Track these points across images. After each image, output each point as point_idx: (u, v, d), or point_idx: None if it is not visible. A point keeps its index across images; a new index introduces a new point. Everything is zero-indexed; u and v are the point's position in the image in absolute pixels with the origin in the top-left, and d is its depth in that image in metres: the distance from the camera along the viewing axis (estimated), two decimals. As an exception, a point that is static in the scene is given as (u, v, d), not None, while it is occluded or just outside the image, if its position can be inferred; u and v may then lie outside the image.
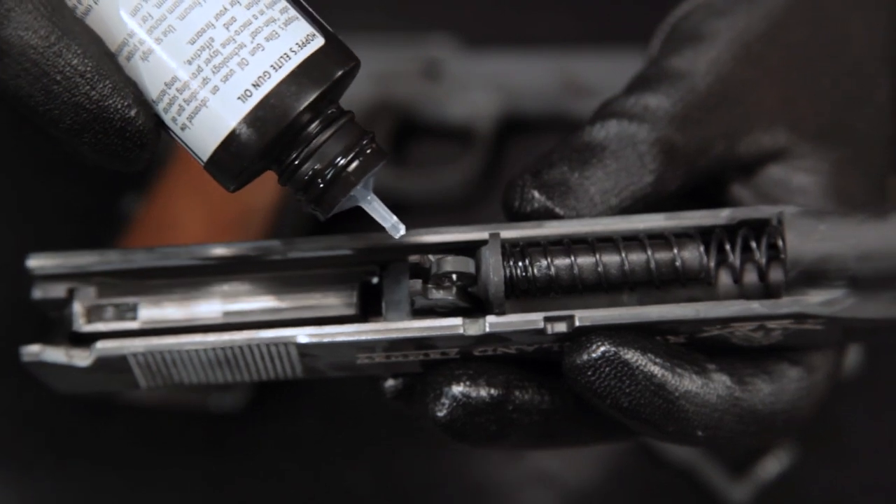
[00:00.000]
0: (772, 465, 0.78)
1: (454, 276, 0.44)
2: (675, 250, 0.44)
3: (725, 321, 0.44)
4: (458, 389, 0.45)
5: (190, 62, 0.41)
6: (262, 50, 0.41)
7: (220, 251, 0.45)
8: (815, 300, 0.44)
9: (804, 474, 0.78)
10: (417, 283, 0.44)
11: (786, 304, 0.44)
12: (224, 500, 0.80)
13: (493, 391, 0.45)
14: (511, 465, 0.80)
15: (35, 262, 0.45)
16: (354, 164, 0.42)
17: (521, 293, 0.44)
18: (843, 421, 0.80)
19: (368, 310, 0.46)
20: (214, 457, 0.81)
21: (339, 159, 0.42)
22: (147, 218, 0.84)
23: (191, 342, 0.44)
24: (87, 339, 0.45)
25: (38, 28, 0.39)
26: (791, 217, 0.44)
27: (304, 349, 0.44)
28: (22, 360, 0.45)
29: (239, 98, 0.41)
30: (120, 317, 0.45)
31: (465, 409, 0.45)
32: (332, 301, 0.45)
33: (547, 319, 0.44)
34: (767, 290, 0.45)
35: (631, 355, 0.43)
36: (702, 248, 0.44)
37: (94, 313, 0.45)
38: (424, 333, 0.44)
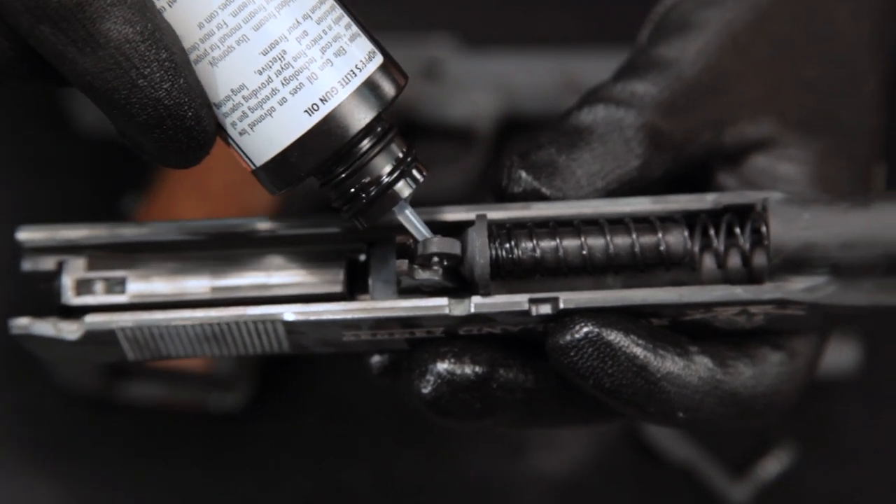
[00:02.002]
0: (771, 465, 0.78)
1: (440, 258, 0.44)
2: (660, 234, 0.45)
3: (708, 306, 0.44)
4: (442, 366, 0.45)
5: (261, 72, 0.41)
6: (331, 65, 0.42)
7: (208, 227, 0.46)
8: (797, 287, 0.44)
9: (804, 474, 0.78)
10: (404, 264, 0.45)
11: (768, 290, 0.44)
12: (224, 500, 0.80)
13: (477, 369, 0.45)
14: (511, 466, 0.80)
15: (25, 235, 0.46)
16: (401, 182, 0.43)
17: (507, 274, 0.45)
18: (842, 421, 0.80)
19: (355, 287, 0.46)
20: (214, 457, 0.81)
21: (385, 176, 0.43)
22: (147, 217, 0.84)
23: (179, 317, 0.45)
24: (75, 312, 0.45)
25: (136, 22, 0.40)
26: (775, 204, 0.45)
27: (290, 326, 0.45)
28: (11, 333, 0.45)
29: (306, 111, 0.41)
30: (109, 290, 0.45)
31: (449, 386, 0.45)
32: (320, 278, 0.46)
33: (532, 301, 0.44)
34: (751, 276, 0.45)
35: (614, 336, 0.44)
36: (686, 233, 0.45)
37: (82, 286, 0.45)
38: (410, 313, 0.44)
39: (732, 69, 0.49)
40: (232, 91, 0.42)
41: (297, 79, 0.41)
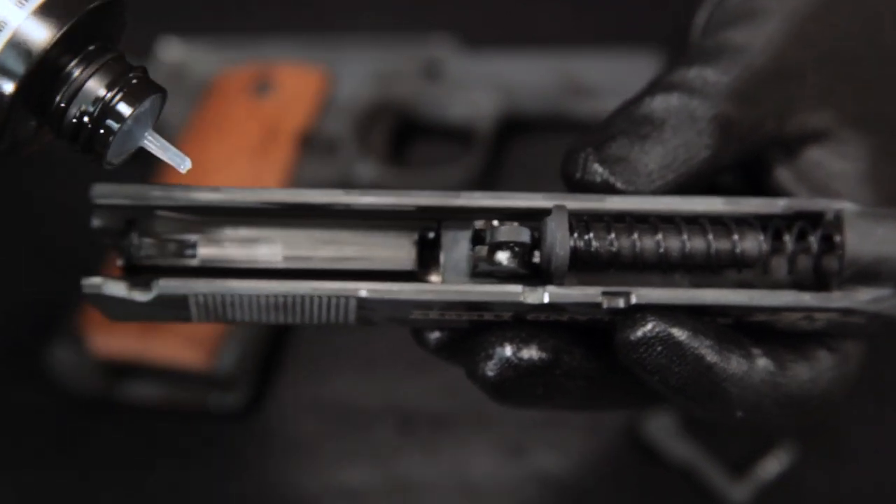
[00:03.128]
0: (772, 466, 0.78)
1: (510, 246, 0.44)
2: (736, 237, 0.45)
3: (776, 310, 0.45)
4: (509, 351, 0.45)
5: None
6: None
7: (284, 196, 0.45)
8: (864, 297, 0.45)
9: (804, 474, 0.78)
10: (482, 250, 0.45)
11: (836, 299, 0.45)
12: (223, 501, 0.80)
13: (543, 355, 0.46)
14: (511, 466, 0.80)
15: (98, 191, 0.45)
16: (120, 97, 0.41)
17: (582, 266, 0.45)
18: (842, 421, 0.80)
19: (425, 263, 0.46)
20: (214, 457, 0.81)
21: (104, 94, 0.41)
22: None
23: (255, 288, 0.44)
24: (142, 272, 0.45)
25: None
26: (851, 217, 0.45)
27: (363, 303, 0.45)
28: (82, 292, 0.45)
29: None
30: (179, 253, 0.45)
31: (514, 370, 0.45)
32: (392, 254, 0.46)
33: (605, 294, 0.44)
34: (819, 283, 0.46)
35: (683, 336, 0.44)
36: (761, 238, 0.45)
37: (153, 247, 0.45)
38: (483, 298, 0.45)
39: (796, 58, 0.49)
40: None
41: None
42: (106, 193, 0.45)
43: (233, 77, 0.90)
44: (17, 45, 0.40)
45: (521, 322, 0.46)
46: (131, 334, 0.80)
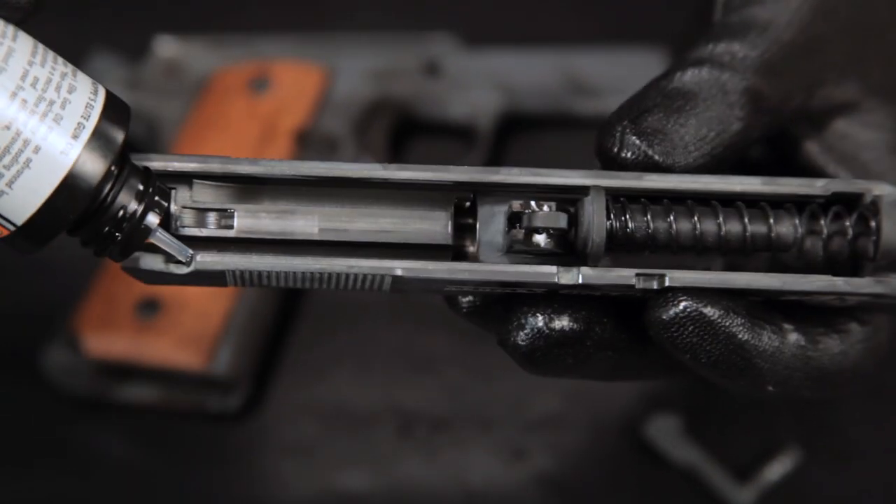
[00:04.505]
0: (776, 468, 0.78)
1: (546, 231, 0.45)
2: (772, 221, 0.46)
3: (808, 294, 0.46)
4: (541, 321, 0.46)
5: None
6: (58, 125, 0.42)
7: (320, 169, 0.46)
8: None
9: (808, 477, 0.78)
10: (520, 233, 0.45)
11: (868, 285, 0.46)
12: (223, 501, 0.80)
13: (574, 325, 0.46)
14: (512, 468, 0.79)
15: (135, 162, 0.46)
16: (150, 214, 0.43)
17: (617, 247, 0.46)
18: (846, 424, 0.80)
19: (461, 235, 0.47)
20: (210, 459, 0.81)
21: (132, 212, 0.43)
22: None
23: (291, 265, 0.45)
24: (182, 241, 0.45)
25: None
26: (888, 204, 0.46)
27: (398, 279, 0.45)
28: (121, 266, 0.45)
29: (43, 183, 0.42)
30: (216, 223, 0.46)
31: (546, 340, 0.46)
32: (428, 227, 0.46)
33: (639, 275, 0.45)
34: (853, 266, 0.46)
35: (715, 315, 0.45)
36: (797, 221, 0.46)
37: (190, 217, 0.46)
38: (518, 278, 0.45)
39: (821, 31, 0.49)
40: None
41: (24, 153, 0.41)
42: (142, 163, 0.45)
43: (231, 75, 0.90)
44: (76, 177, 0.42)
45: (554, 294, 0.46)
46: (127, 336, 0.80)
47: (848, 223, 0.46)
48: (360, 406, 0.81)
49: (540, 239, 0.45)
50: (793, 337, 0.46)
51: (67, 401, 0.81)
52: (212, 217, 0.46)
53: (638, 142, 0.46)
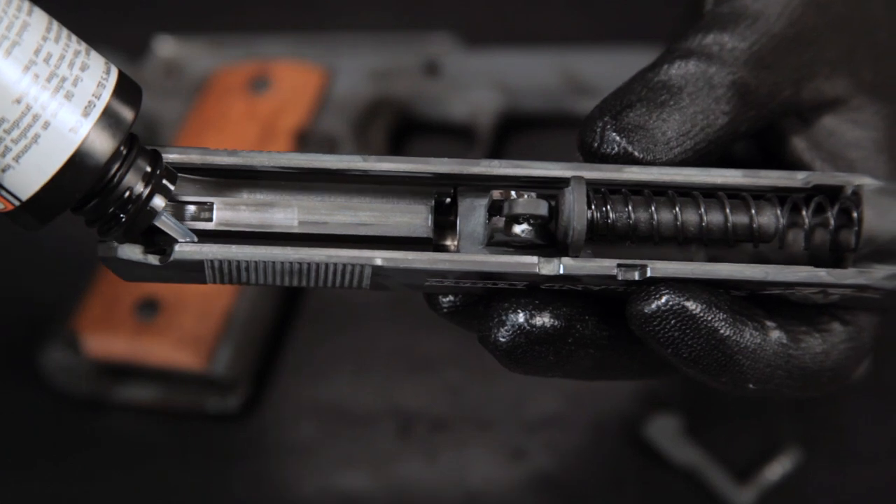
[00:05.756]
0: (776, 468, 0.78)
1: (527, 218, 0.45)
2: (753, 211, 0.45)
3: (791, 285, 0.45)
4: (522, 317, 0.46)
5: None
6: (69, 101, 0.42)
7: (300, 161, 0.45)
8: (880, 274, 0.46)
9: (808, 478, 0.78)
10: (500, 221, 0.45)
11: (852, 276, 0.45)
12: (223, 501, 0.80)
13: (555, 322, 0.46)
14: (512, 469, 0.79)
15: None
16: (156, 197, 0.43)
17: (598, 238, 0.45)
18: (847, 424, 0.80)
19: (441, 228, 0.47)
20: (210, 459, 0.80)
21: (138, 194, 0.43)
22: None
23: (270, 255, 0.45)
24: (158, 233, 0.45)
25: None
26: (869, 194, 0.45)
27: (378, 270, 0.45)
28: (98, 255, 0.45)
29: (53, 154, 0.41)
30: (196, 216, 0.46)
31: (526, 337, 0.46)
32: (408, 220, 0.46)
33: (620, 266, 0.45)
34: (835, 259, 0.46)
35: (697, 309, 0.45)
36: (778, 212, 0.46)
37: (170, 210, 0.45)
38: (499, 269, 0.45)
39: (812, 24, 0.49)
40: None
41: (32, 128, 0.41)
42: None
43: (230, 74, 0.90)
44: (85, 153, 0.42)
45: (535, 290, 0.46)
46: (126, 336, 0.79)
47: (830, 214, 0.46)
48: (360, 406, 0.81)
49: (520, 229, 0.45)
50: (775, 334, 0.46)
51: (67, 401, 0.81)
52: (191, 210, 0.46)
53: (618, 138, 0.46)
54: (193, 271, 0.45)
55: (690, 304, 0.45)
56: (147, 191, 0.43)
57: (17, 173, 0.41)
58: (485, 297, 0.47)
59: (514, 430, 0.80)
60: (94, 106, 0.42)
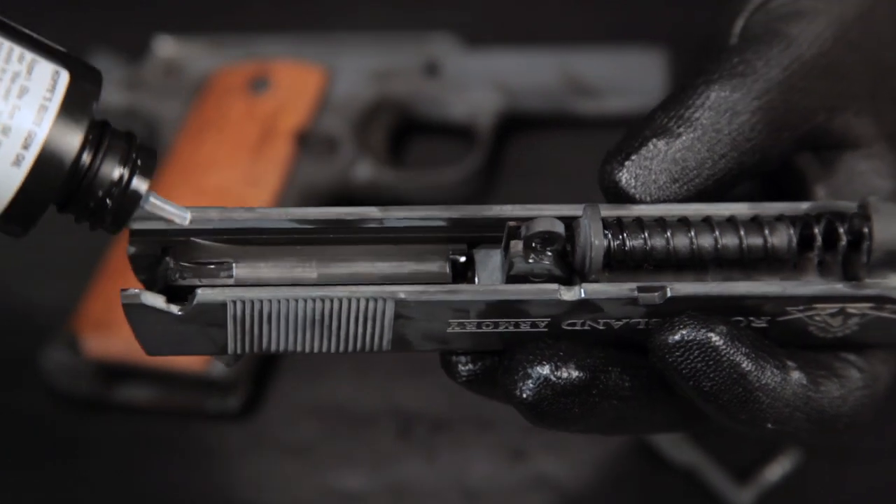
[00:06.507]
0: (776, 468, 0.78)
1: (545, 237, 0.45)
2: (767, 231, 0.46)
3: (809, 300, 0.46)
4: (545, 370, 0.45)
5: None
6: (20, 110, 0.40)
7: (317, 214, 0.46)
8: (895, 283, 0.46)
9: (808, 478, 0.78)
10: (518, 245, 0.45)
11: (868, 286, 0.46)
12: (223, 501, 0.80)
13: (580, 374, 0.46)
14: (512, 469, 0.79)
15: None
16: (136, 179, 0.42)
17: (616, 265, 0.46)
18: (847, 424, 0.79)
19: (459, 277, 0.47)
20: (210, 460, 0.81)
21: (118, 179, 0.42)
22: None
23: (291, 293, 0.45)
24: (182, 292, 0.45)
25: None
26: (876, 202, 0.46)
27: (401, 307, 0.45)
28: (122, 303, 0.45)
29: (13, 165, 0.40)
30: (216, 274, 0.46)
31: (552, 389, 0.45)
32: (426, 268, 0.47)
33: (640, 289, 0.45)
34: (851, 274, 0.47)
35: (720, 341, 0.45)
36: (791, 231, 0.46)
37: (190, 270, 0.46)
38: (521, 296, 0.45)
39: (843, 59, 0.49)
40: None
41: None
42: (142, 216, 0.45)
43: (230, 75, 0.90)
44: (49, 155, 0.41)
45: (557, 337, 0.46)
46: (127, 336, 0.79)
47: (841, 230, 0.46)
48: (359, 406, 0.81)
49: (545, 254, 0.45)
50: (795, 375, 0.46)
51: (67, 401, 0.81)
52: (211, 269, 0.46)
53: (626, 183, 0.46)
54: (216, 325, 0.45)
55: (714, 336, 0.45)
56: (126, 173, 0.42)
57: None
58: (505, 352, 0.47)
59: (514, 430, 0.80)
60: (51, 100, 0.41)
